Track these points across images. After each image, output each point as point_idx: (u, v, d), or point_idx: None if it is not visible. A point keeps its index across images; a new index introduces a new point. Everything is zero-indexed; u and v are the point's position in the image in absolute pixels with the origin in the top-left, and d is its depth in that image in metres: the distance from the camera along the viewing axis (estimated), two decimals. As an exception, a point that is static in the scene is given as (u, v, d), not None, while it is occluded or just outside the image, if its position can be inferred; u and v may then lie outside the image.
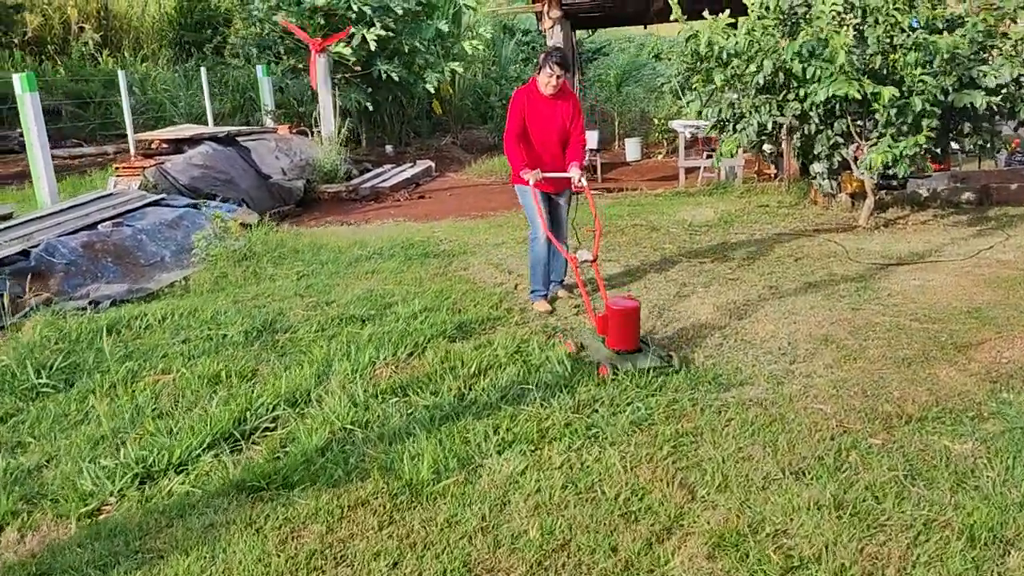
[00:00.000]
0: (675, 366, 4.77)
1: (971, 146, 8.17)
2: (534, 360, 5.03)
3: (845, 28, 7.36)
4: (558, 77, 5.84)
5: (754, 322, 5.65)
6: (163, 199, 9.09)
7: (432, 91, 15.48)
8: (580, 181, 5.87)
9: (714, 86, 8.22)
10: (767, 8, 7.84)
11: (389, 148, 16.70)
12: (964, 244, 7.75)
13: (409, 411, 4.31)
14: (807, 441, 3.87)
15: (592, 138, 14.18)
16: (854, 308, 5.79)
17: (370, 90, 15.50)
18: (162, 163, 10.05)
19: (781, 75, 7.78)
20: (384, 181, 13.40)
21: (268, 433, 4.17)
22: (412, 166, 15.28)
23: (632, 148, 17.03)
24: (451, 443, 3.90)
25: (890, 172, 7.58)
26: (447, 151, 17.70)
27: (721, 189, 11.60)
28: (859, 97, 7.15)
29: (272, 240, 8.71)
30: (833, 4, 7.32)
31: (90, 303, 6.47)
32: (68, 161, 16.26)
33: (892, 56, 7.42)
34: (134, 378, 4.96)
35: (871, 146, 7.74)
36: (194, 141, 10.69)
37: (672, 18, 8.28)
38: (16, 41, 23.18)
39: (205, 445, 3.98)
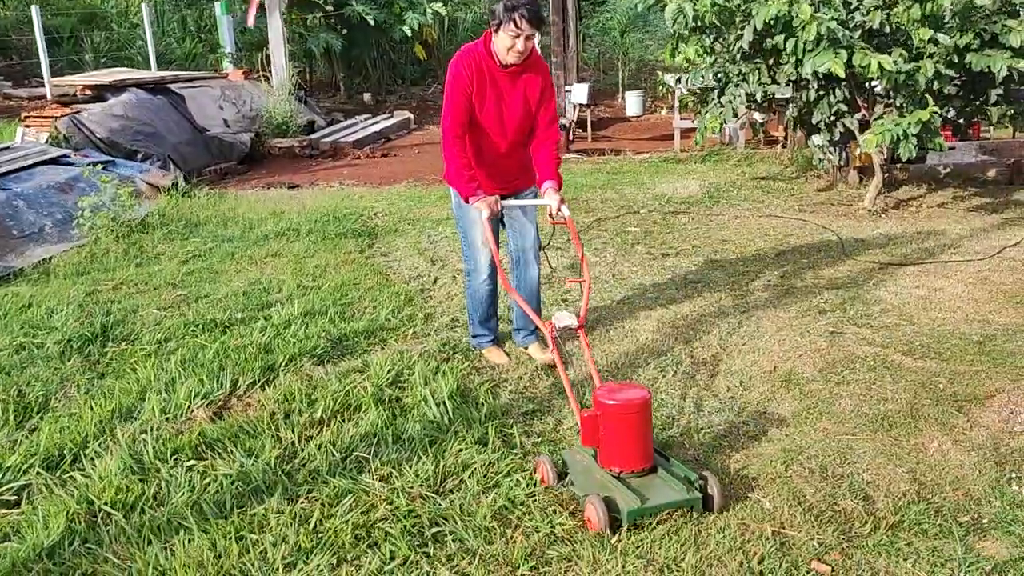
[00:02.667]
0: (713, 498, 2.98)
1: (999, 116, 6.82)
2: (408, 399, 3.91)
3: None
4: (527, 39, 3.73)
5: (704, 348, 4.48)
6: (65, 156, 7.97)
7: (409, 35, 14.10)
8: (561, 212, 3.90)
9: (684, 56, 6.93)
10: None
11: (367, 96, 15.44)
12: (985, 237, 6.47)
13: (205, 482, 3.22)
14: (725, 565, 2.73)
15: (581, 92, 12.85)
16: (834, 331, 4.58)
17: (344, 32, 14.17)
18: (77, 112, 8.90)
19: (769, 40, 6.45)
20: (350, 135, 12.20)
21: (4, 512, 3.09)
22: (388, 117, 14.06)
23: (633, 102, 15.64)
24: (227, 547, 2.81)
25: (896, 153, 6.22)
26: (432, 100, 16.39)
27: (716, 155, 10.31)
28: (842, 75, 5.83)
29: (180, 208, 7.59)
30: None
31: (-86, 291, 5.40)
32: (24, 103, 15.13)
33: (894, 11, 6.04)
34: None
35: (876, 119, 6.42)
36: (118, 88, 9.51)
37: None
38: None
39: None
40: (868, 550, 2.81)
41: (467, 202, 3.95)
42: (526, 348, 4.46)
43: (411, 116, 14.36)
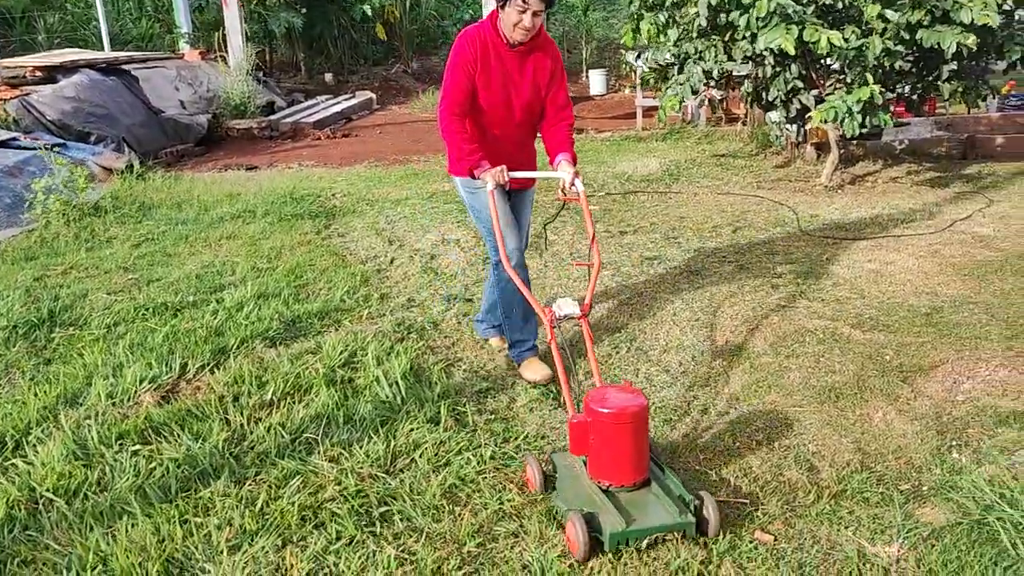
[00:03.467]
0: (708, 522, 2.71)
1: (950, 93, 6.89)
2: (361, 380, 3.89)
3: None
4: (534, 15, 3.47)
5: (658, 324, 4.50)
6: (14, 139, 7.79)
7: (369, 14, 13.94)
8: (574, 186, 3.58)
9: (642, 35, 6.94)
10: None
11: (329, 76, 15.25)
12: (937, 211, 6.56)
13: (150, 466, 3.18)
14: (673, 534, 2.75)
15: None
16: (785, 305, 4.63)
17: (304, 10, 13.97)
18: (27, 95, 8.70)
19: (723, 16, 6.46)
20: (310, 116, 12.07)
21: (-58, 501, 3.04)
22: (350, 98, 13.92)
23: (596, 81, 15.65)
24: (170, 531, 2.78)
25: (843, 129, 6.26)
26: (395, 80, 16.25)
27: (677, 134, 10.34)
28: (792, 51, 5.84)
29: (134, 191, 7.47)
30: None
31: None
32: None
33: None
34: None
35: (829, 94, 6.46)
36: (69, 69, 9.31)
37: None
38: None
39: None
40: (811, 519, 2.85)
41: (472, 176, 3.62)
42: (486, 340, 4.33)
43: (373, 96, 14.24)
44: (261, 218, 6.68)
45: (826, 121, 6.17)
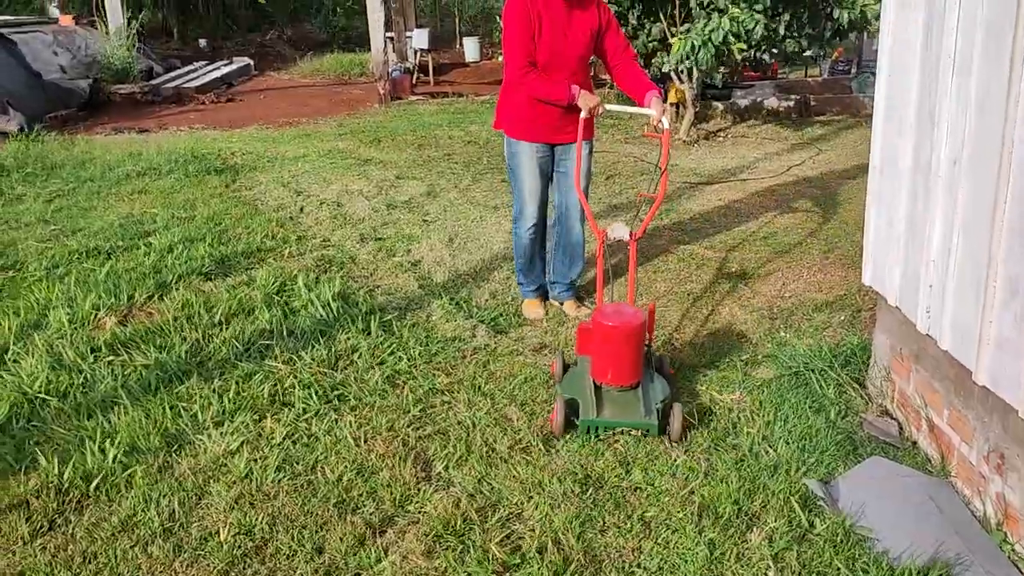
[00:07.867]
0: (671, 428, 3.16)
1: (793, 48, 7.95)
2: (296, 302, 4.46)
3: None
4: None
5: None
6: None
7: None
8: (661, 123, 3.72)
9: None
10: None
11: (204, 42, 15.22)
12: (776, 159, 7.63)
13: (126, 372, 3.69)
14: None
15: (422, 38, 13.35)
16: (651, 234, 5.49)
17: (176, -25, 13.91)
18: (-99, 58, 8.57)
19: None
20: (190, 81, 12.16)
21: (-59, 407, 3.45)
22: (228, 64, 14.01)
23: (471, 48, 16.27)
24: (160, 415, 3.33)
25: (703, 70, 7.18)
26: (271, 47, 16.36)
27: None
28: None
29: (32, 152, 7.60)
30: None
31: None
32: None
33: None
34: None
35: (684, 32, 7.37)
36: (-56, 33, 9.17)
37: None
38: None
39: None
40: (676, 380, 3.67)
41: (568, 103, 3.79)
42: (561, 304, 4.46)
43: (251, 62, 14.36)
44: (167, 175, 7.01)
45: (676, 53, 7.01)
